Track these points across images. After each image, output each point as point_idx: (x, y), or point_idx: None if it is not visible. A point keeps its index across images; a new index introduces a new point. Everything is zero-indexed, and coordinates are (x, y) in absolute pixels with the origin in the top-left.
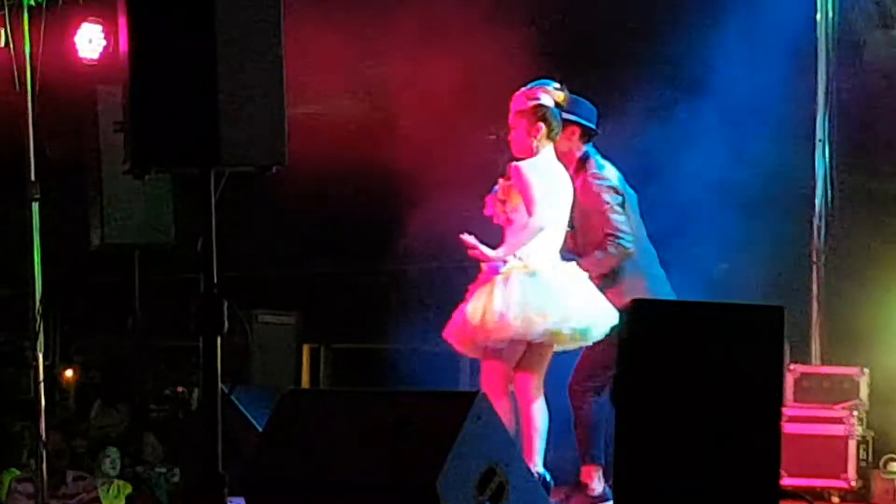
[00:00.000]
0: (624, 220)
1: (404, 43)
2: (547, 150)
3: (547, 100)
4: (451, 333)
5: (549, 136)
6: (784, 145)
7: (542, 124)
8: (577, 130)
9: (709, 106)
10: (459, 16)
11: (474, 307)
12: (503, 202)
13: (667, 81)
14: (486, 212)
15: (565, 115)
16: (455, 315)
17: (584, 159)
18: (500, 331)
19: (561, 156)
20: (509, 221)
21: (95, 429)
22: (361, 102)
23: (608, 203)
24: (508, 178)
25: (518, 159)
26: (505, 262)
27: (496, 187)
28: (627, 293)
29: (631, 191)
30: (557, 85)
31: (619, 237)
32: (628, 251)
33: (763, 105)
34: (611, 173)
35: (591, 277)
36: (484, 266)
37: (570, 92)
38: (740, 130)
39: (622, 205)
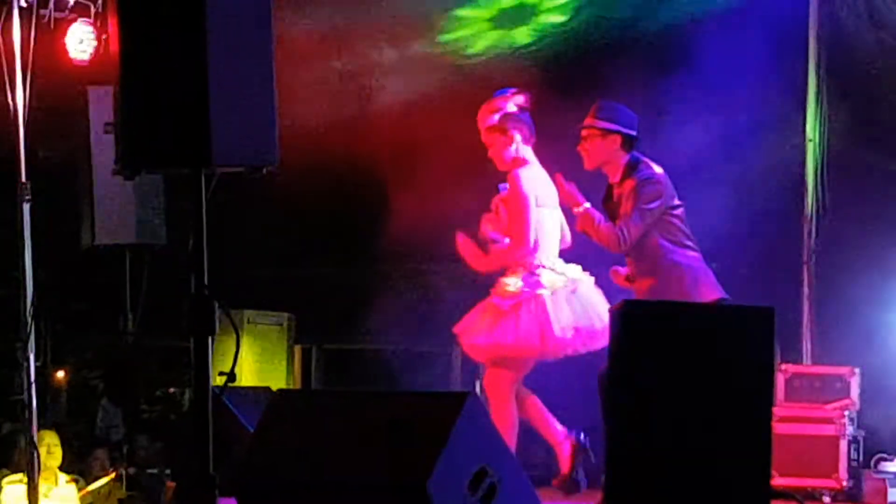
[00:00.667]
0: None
1: (387, 35)
2: (529, 155)
3: (511, 107)
4: (483, 349)
5: (525, 142)
6: (774, 144)
7: (515, 132)
8: (619, 139)
9: (698, 104)
10: None
11: (527, 327)
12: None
13: (655, 77)
14: (483, 231)
15: (605, 125)
16: (483, 327)
17: (634, 164)
18: (560, 349)
19: (603, 165)
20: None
21: (101, 429)
22: (349, 102)
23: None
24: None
25: (504, 173)
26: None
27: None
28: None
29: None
30: (513, 90)
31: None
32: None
33: (753, 104)
34: (662, 177)
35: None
36: (512, 282)
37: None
38: (730, 130)
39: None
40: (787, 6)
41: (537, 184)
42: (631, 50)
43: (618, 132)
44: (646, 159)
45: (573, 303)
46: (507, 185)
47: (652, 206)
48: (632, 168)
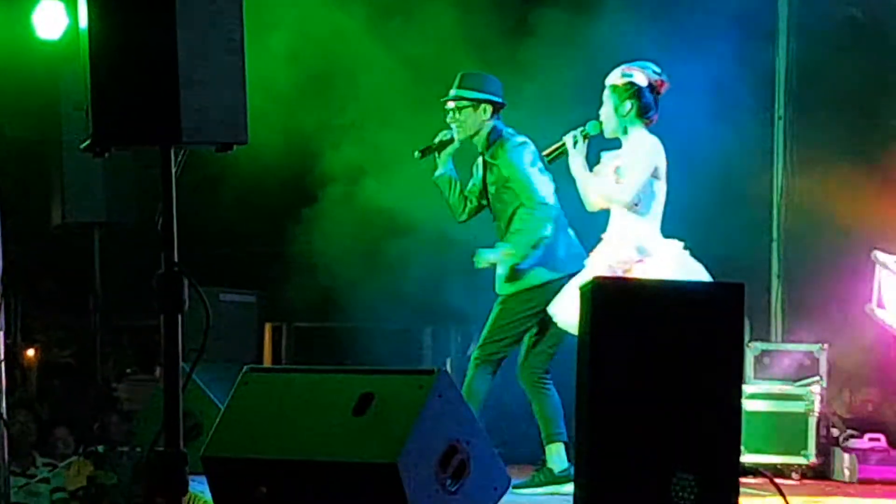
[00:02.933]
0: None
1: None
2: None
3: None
4: None
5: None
6: (743, 123)
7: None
8: (490, 107)
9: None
10: None
11: None
12: None
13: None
14: None
15: (477, 94)
16: None
17: (499, 133)
18: None
19: (474, 134)
20: None
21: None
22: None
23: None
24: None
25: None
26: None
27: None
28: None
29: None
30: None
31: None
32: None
33: (722, 83)
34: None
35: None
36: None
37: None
38: (699, 109)
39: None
40: None
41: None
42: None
43: (488, 100)
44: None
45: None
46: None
47: None
48: (497, 135)
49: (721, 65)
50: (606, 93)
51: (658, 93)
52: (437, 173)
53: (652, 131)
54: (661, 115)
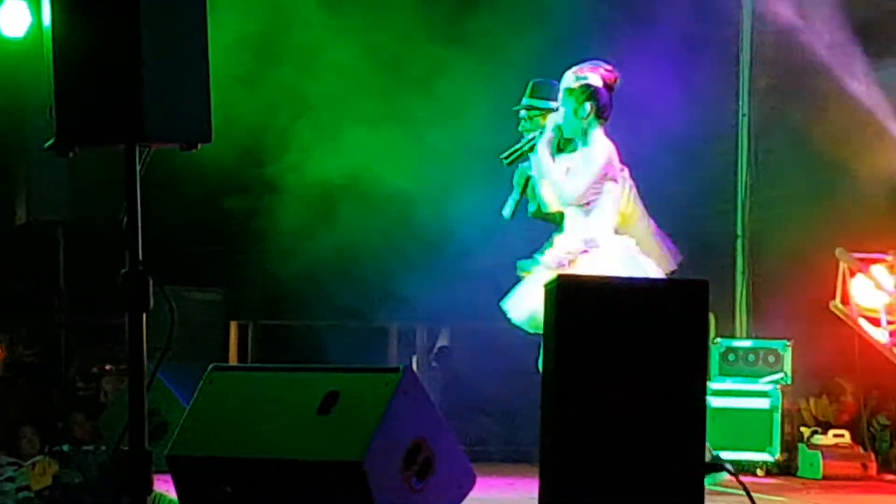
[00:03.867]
0: None
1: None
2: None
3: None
4: None
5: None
6: (707, 120)
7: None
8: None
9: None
10: None
11: None
12: None
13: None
14: None
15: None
16: None
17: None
18: None
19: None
20: None
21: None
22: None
23: None
24: None
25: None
26: None
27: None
28: None
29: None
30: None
31: None
32: None
33: (686, 80)
34: None
35: None
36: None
37: None
38: (662, 106)
39: None
40: None
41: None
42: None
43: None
44: None
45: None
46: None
47: None
48: None
49: (684, 61)
50: (561, 96)
51: (612, 89)
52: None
53: (614, 128)
54: (621, 112)
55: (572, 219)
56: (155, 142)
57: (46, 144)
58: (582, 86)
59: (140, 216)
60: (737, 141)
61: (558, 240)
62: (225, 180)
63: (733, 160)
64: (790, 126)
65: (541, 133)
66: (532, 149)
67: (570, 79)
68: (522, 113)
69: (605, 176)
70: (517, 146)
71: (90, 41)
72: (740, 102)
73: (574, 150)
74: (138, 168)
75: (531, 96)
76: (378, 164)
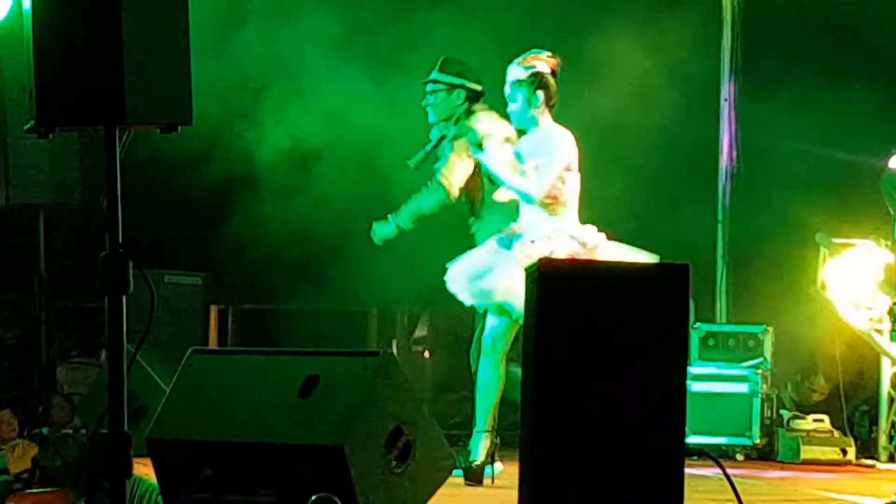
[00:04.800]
0: None
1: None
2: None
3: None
4: None
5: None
6: (690, 106)
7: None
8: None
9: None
10: None
11: None
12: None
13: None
14: None
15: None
16: None
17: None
18: None
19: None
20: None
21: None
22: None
23: None
24: None
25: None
26: None
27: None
28: None
29: None
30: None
31: None
32: None
33: (669, 66)
34: None
35: None
36: None
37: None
38: (646, 90)
39: None
40: None
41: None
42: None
43: (462, 86)
44: None
45: None
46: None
47: None
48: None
49: (667, 47)
50: (509, 90)
51: (556, 75)
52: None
53: (596, 115)
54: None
55: (531, 212)
56: (135, 124)
57: (26, 126)
58: (531, 75)
59: (120, 199)
60: (718, 125)
61: (532, 237)
62: (206, 163)
63: (714, 143)
64: (773, 110)
65: (445, 129)
66: (437, 147)
67: (517, 71)
68: (429, 87)
69: (566, 167)
70: (423, 150)
71: (70, 23)
72: (721, 87)
73: (533, 153)
74: (118, 150)
75: (440, 71)
76: (362, 156)
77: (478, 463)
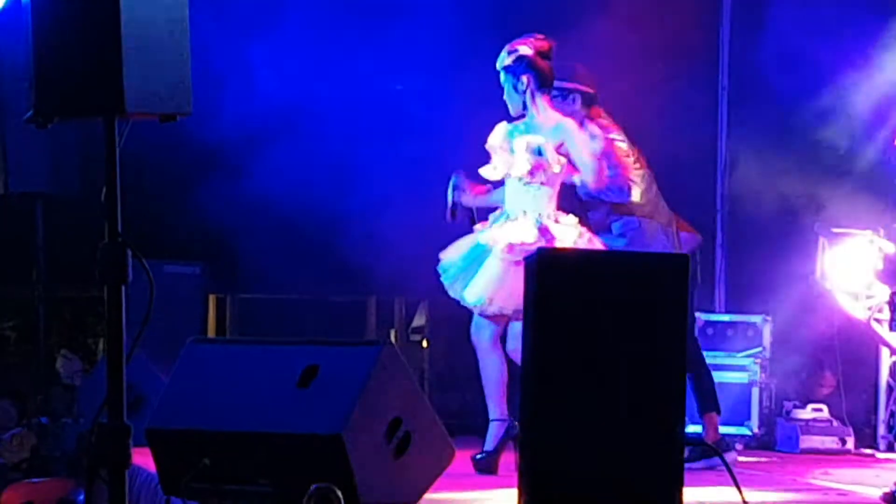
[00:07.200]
0: None
1: None
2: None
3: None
4: None
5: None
6: (687, 96)
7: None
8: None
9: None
10: None
11: None
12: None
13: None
14: None
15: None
16: None
17: None
18: None
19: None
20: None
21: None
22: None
23: None
24: None
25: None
26: None
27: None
28: None
29: None
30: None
31: None
32: None
33: (668, 53)
34: None
35: None
36: None
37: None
38: (644, 81)
39: None
40: None
41: None
42: None
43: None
44: None
45: None
46: None
47: None
48: None
49: (666, 36)
50: (502, 78)
51: (549, 57)
52: None
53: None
54: (605, 90)
55: (520, 193)
56: (134, 114)
57: (25, 117)
58: (515, 58)
59: (119, 188)
60: (716, 113)
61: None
62: (203, 151)
63: (713, 133)
64: (769, 101)
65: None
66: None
67: (504, 59)
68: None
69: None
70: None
71: (69, 13)
72: (719, 76)
73: (526, 130)
74: (118, 140)
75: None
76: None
77: (489, 451)
